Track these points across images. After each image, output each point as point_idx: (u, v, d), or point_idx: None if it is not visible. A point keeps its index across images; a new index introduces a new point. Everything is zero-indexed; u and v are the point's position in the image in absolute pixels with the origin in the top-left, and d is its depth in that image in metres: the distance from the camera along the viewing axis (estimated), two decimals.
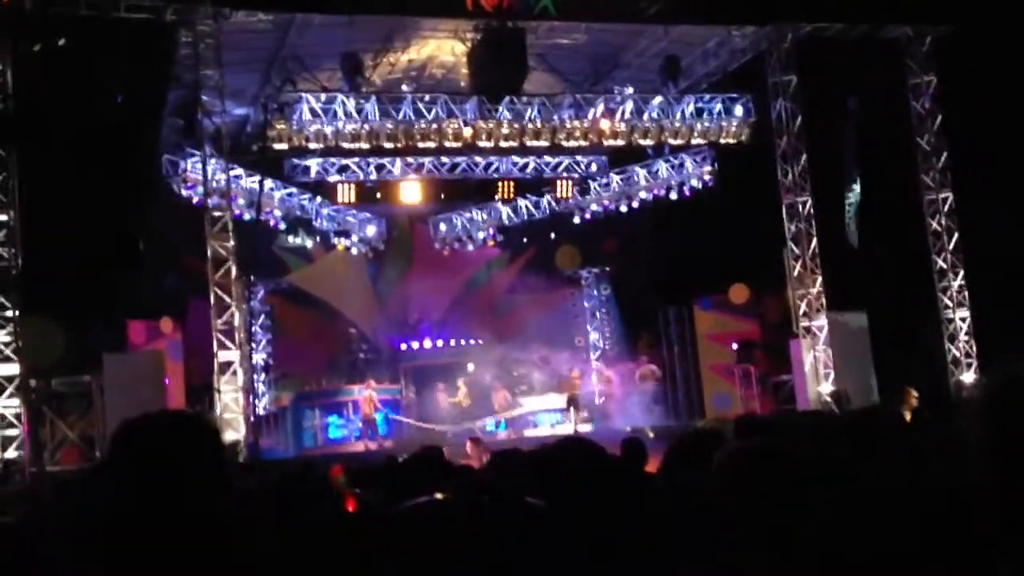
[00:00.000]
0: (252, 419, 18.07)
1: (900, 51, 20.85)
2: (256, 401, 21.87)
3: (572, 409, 22.12)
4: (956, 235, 20.80)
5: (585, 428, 21.68)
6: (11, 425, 15.71)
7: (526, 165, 24.41)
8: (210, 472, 2.27)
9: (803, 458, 2.62)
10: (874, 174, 21.12)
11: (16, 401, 15.80)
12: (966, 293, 20.82)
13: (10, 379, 15.79)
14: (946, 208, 20.86)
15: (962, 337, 20.77)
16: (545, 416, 22.95)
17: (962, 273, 20.80)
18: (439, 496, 1.71)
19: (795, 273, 20.29)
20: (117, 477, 2.28)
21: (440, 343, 25.30)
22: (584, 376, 24.58)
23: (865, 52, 19.95)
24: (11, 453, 15.62)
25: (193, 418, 2.46)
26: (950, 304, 20.88)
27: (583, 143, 20.41)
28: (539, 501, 1.76)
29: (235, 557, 2.22)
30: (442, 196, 24.08)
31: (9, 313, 15.77)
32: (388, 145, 19.23)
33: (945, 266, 20.90)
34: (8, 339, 15.79)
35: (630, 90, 20.59)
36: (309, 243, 25.01)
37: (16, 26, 15.57)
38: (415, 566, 1.55)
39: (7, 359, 15.79)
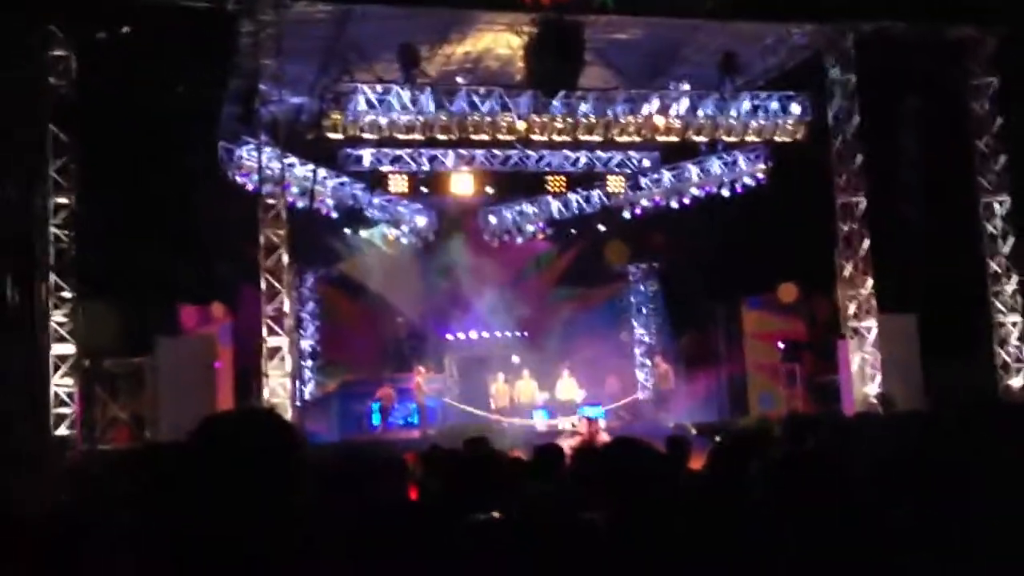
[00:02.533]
0: (298, 404, 18.28)
1: (962, 52, 20.57)
2: (302, 387, 22.14)
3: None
4: (1012, 239, 20.51)
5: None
6: (64, 404, 16.04)
7: (578, 159, 24.39)
8: (291, 471, 2.35)
9: (843, 463, 2.64)
10: (931, 176, 20.85)
11: (70, 380, 16.13)
12: (1019, 298, 20.55)
13: (65, 359, 16.12)
14: (1003, 211, 20.58)
15: (1013, 341, 20.51)
16: (589, 408, 22.94)
17: (1015, 278, 20.52)
18: (495, 515, 1.75)
19: (846, 274, 20.12)
20: (201, 472, 2.35)
21: (487, 334, 25.40)
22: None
23: (926, 52, 19.72)
24: (63, 431, 15.95)
25: (274, 417, 2.53)
26: (1003, 308, 20.63)
27: (636, 139, 20.36)
28: (593, 516, 1.80)
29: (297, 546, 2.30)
30: (493, 189, 24.12)
31: (66, 295, 16.08)
32: (442, 137, 19.31)
33: (999, 270, 20.63)
34: (64, 320, 16.10)
35: (686, 86, 20.48)
36: (367, 235, 25.30)
37: (81, 14, 15.84)
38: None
39: (63, 339, 16.12)
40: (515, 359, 23.14)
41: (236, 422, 2.45)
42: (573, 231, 26.83)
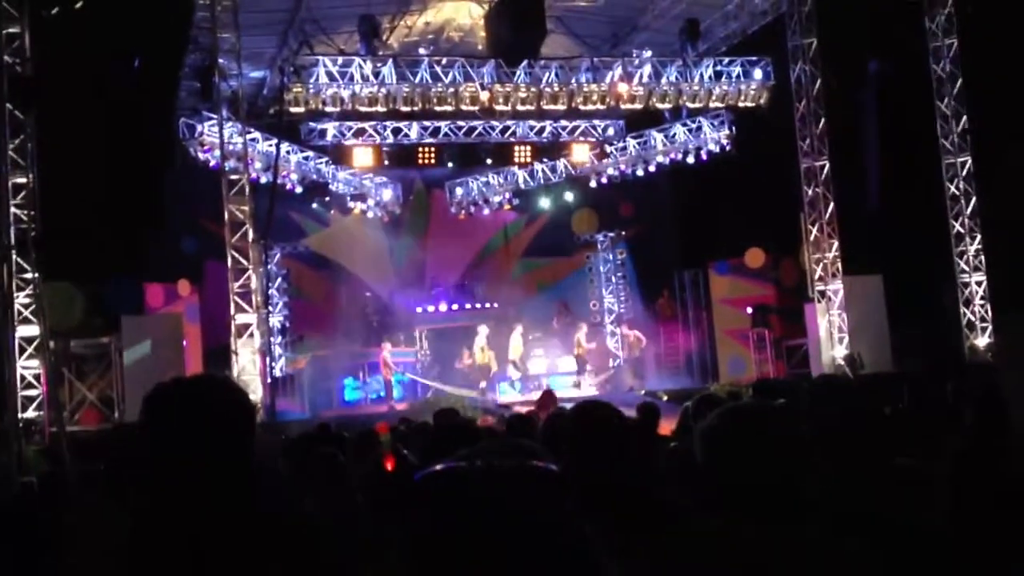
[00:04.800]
0: (269, 381, 18.21)
1: (921, 14, 20.65)
2: (273, 363, 22.04)
3: (583, 371, 22.44)
4: (974, 200, 20.70)
5: (592, 391, 21.79)
6: (31, 386, 15.86)
7: (543, 129, 24.33)
8: (240, 435, 2.33)
9: (787, 422, 2.62)
10: (893, 138, 21.00)
11: (36, 362, 15.93)
12: (982, 257, 20.77)
13: (30, 340, 15.92)
14: (964, 172, 20.75)
15: (977, 301, 20.75)
16: (559, 379, 23.01)
17: (979, 238, 20.74)
18: (460, 463, 1.75)
19: (811, 237, 20.26)
20: (150, 438, 2.34)
21: (455, 307, 25.37)
22: (596, 338, 24.81)
23: (886, 15, 19.79)
24: (31, 413, 15.78)
25: (223, 382, 2.52)
26: (966, 268, 20.85)
27: (600, 107, 20.33)
28: (552, 464, 1.80)
29: (264, 514, 2.29)
30: (458, 160, 24.00)
31: (28, 275, 15.85)
32: (405, 109, 19.20)
33: (962, 230, 20.83)
34: (28, 301, 15.90)
35: (648, 53, 20.46)
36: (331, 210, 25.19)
37: None
38: (438, 527, 1.60)
39: (27, 321, 15.90)
40: (485, 329, 23.14)
41: (185, 389, 2.42)
42: (543, 202, 26.77)
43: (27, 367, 15.88)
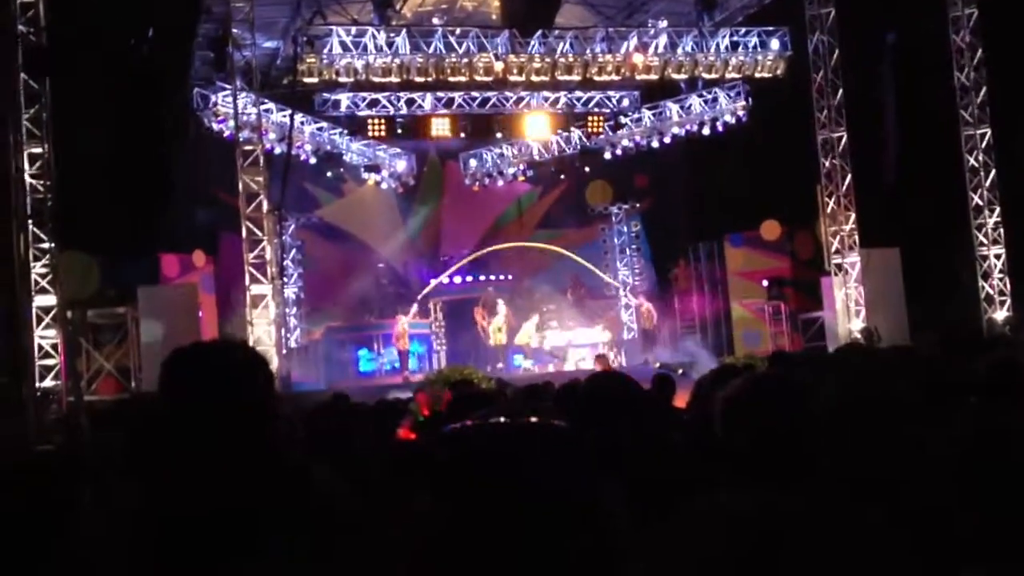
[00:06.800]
0: (284, 352, 18.28)
1: None
2: (288, 334, 22.11)
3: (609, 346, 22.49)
4: (993, 172, 20.53)
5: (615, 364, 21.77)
6: (48, 355, 15.93)
7: (557, 100, 24.22)
8: (260, 400, 2.33)
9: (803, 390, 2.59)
10: (911, 109, 20.81)
11: (53, 332, 16.01)
12: (1001, 230, 20.61)
13: (47, 310, 15.99)
14: (984, 144, 20.56)
15: (996, 275, 20.62)
16: (573, 352, 23.01)
17: (998, 210, 20.58)
18: (469, 422, 1.75)
19: (828, 209, 20.14)
20: (171, 402, 2.34)
21: (470, 278, 25.37)
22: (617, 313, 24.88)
23: None
24: (49, 382, 15.87)
25: (243, 348, 2.51)
26: (985, 241, 20.70)
27: (615, 78, 20.20)
28: (564, 423, 1.81)
29: (284, 480, 2.28)
30: (472, 131, 23.91)
31: (45, 245, 15.89)
32: (418, 79, 19.13)
33: (981, 203, 20.67)
34: (45, 271, 15.95)
35: (664, 23, 20.31)
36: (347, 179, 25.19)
37: None
38: (460, 479, 1.61)
39: (44, 291, 15.96)
40: (500, 302, 23.14)
41: (204, 352, 2.42)
42: (562, 176, 26.67)
43: (44, 336, 15.96)
